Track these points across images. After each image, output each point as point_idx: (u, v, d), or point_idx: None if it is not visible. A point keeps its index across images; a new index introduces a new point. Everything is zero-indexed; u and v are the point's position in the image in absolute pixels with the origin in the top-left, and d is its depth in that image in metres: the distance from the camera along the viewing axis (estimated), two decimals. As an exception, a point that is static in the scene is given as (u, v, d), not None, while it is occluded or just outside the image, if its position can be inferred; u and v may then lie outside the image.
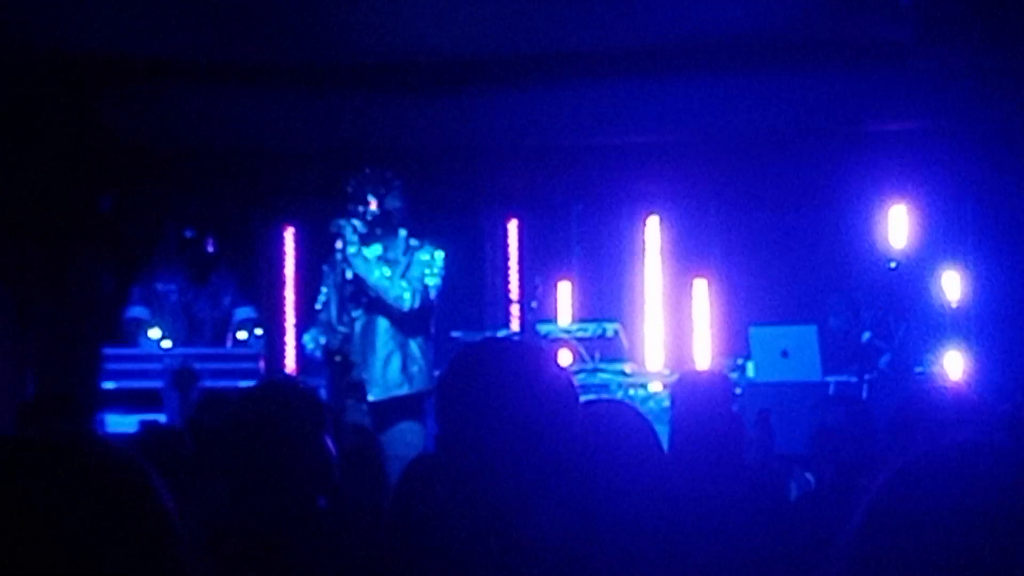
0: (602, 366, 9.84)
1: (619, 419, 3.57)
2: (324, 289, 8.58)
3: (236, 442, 3.82)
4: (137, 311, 9.68)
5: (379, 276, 8.17)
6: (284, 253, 11.95)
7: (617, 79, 10.37)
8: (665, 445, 8.70)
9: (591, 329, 10.13)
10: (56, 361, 10.58)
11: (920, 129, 10.60)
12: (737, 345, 10.44)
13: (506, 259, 12.03)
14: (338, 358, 8.31)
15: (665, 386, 9.59)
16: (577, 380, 9.41)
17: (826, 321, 10.33)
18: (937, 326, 10.24)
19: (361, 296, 8.28)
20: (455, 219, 11.48)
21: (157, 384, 8.88)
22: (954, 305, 10.34)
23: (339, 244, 8.24)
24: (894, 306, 10.37)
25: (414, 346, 8.27)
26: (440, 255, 8.37)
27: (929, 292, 10.54)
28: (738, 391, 8.84)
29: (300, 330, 11.57)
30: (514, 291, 11.92)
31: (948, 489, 1.65)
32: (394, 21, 9.37)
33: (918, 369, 9.81)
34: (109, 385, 9.01)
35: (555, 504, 2.65)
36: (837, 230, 11.24)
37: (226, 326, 9.72)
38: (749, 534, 4.37)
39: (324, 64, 10.16)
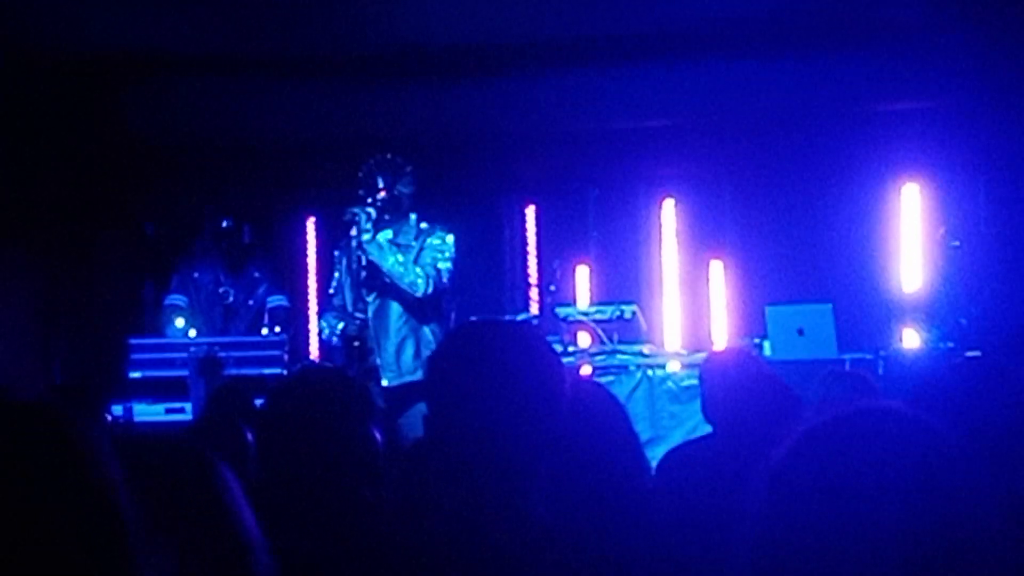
0: (620, 347, 9.90)
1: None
2: (336, 274, 8.67)
3: (269, 433, 3.82)
4: (175, 299, 9.77)
5: (393, 262, 8.23)
6: (306, 243, 12.07)
7: (631, 63, 10.44)
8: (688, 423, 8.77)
9: (609, 311, 10.19)
10: (82, 351, 10.70)
11: (932, 108, 10.65)
12: (753, 324, 10.50)
13: (524, 244, 12.10)
14: (356, 344, 8.38)
15: (684, 366, 9.66)
16: (596, 361, 9.55)
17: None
18: (954, 304, 10.28)
19: (375, 282, 8.36)
20: (473, 206, 11.56)
21: (183, 373, 8.95)
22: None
23: (353, 231, 8.31)
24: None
25: (428, 331, 8.33)
26: (451, 239, 8.43)
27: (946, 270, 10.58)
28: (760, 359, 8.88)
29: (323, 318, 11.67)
30: (533, 275, 11.99)
31: (847, 456, 1.64)
32: (412, 9, 9.45)
33: (946, 345, 9.82)
34: (136, 375, 9.08)
35: (547, 484, 2.65)
36: (851, 209, 11.29)
37: (261, 315, 9.81)
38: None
39: (342, 55, 10.24)
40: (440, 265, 8.31)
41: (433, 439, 2.76)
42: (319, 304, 11.63)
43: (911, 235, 11.23)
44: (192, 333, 9.36)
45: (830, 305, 9.72)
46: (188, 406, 8.74)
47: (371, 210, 8.26)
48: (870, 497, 1.60)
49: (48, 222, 10.62)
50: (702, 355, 9.20)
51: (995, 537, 1.63)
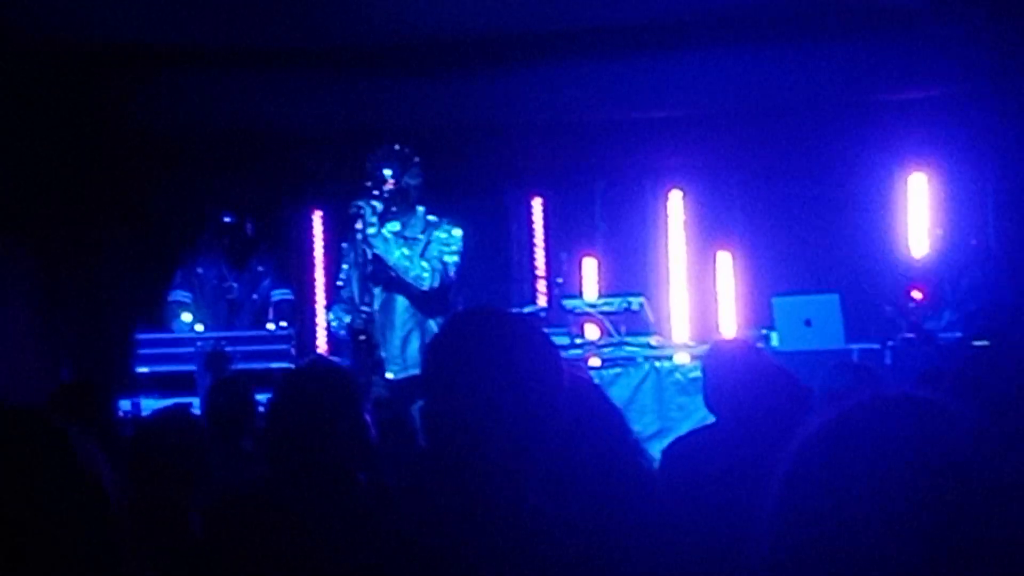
0: (628, 339, 9.90)
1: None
2: (345, 267, 8.65)
3: (277, 420, 3.90)
4: (179, 295, 9.78)
5: (399, 256, 8.22)
6: (313, 237, 12.07)
7: (637, 54, 10.43)
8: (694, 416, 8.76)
9: (617, 303, 10.19)
10: (88, 346, 10.71)
11: (939, 96, 10.64)
12: (761, 315, 10.50)
13: (531, 236, 12.11)
14: (362, 337, 8.38)
15: (692, 358, 9.66)
16: (604, 353, 9.55)
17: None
18: (964, 291, 10.26)
19: (381, 276, 8.35)
20: (480, 198, 11.56)
21: (190, 368, 8.96)
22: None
23: (359, 224, 8.30)
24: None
25: (433, 325, 8.32)
26: (458, 232, 8.42)
27: (953, 258, 10.56)
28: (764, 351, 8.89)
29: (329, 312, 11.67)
30: (540, 267, 12.00)
31: (861, 447, 1.61)
32: (415, 1, 9.45)
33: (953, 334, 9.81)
34: (143, 370, 9.10)
35: (546, 476, 2.63)
36: (858, 198, 11.29)
37: (265, 309, 9.81)
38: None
39: (349, 46, 10.24)
40: (447, 259, 8.30)
41: (429, 429, 2.74)
42: (327, 297, 11.64)
43: (918, 224, 11.21)
44: (199, 328, 9.36)
45: (837, 296, 9.72)
46: (196, 401, 8.74)
47: (377, 203, 8.24)
48: (888, 487, 1.58)
49: (52, 216, 10.63)
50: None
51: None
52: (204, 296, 9.80)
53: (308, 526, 3.57)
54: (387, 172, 8.32)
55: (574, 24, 10.07)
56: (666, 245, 11.87)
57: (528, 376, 2.61)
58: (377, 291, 8.38)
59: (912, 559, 1.56)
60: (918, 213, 11.25)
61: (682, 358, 9.69)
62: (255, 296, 9.86)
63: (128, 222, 11.22)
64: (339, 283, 8.73)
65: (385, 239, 8.23)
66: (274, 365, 8.85)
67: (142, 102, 10.55)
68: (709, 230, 11.75)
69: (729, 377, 5.21)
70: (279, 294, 9.91)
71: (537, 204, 12.13)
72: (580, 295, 11.08)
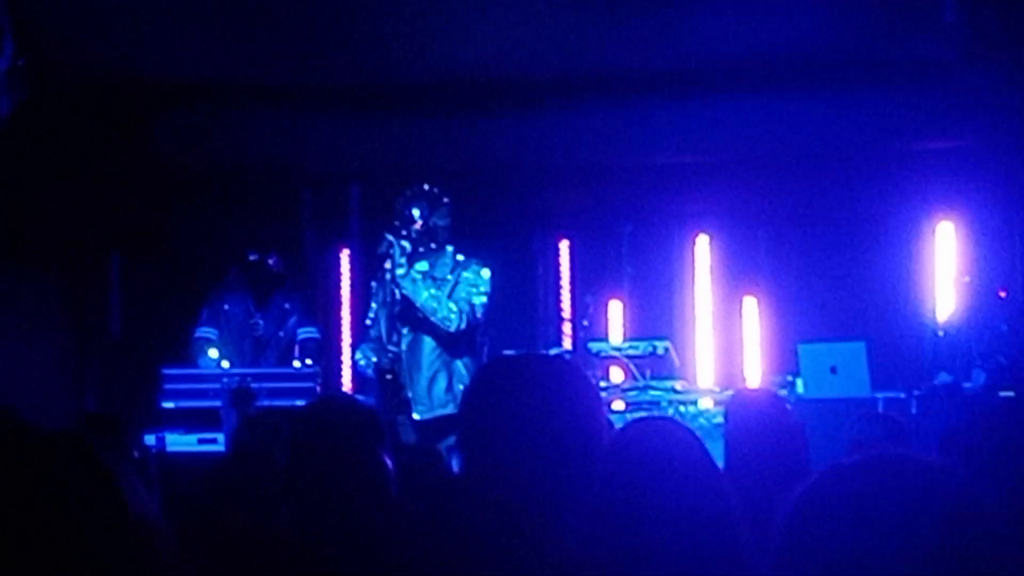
0: (653, 383, 9.89)
1: (668, 436, 3.46)
2: (373, 305, 8.67)
3: (296, 458, 3.89)
4: (205, 331, 9.79)
5: (427, 297, 8.23)
6: (340, 275, 12.09)
7: (666, 100, 10.46)
8: (718, 462, 8.75)
9: (642, 347, 10.18)
10: (114, 380, 10.74)
11: (967, 147, 10.63)
12: (786, 362, 10.48)
13: (558, 279, 12.11)
14: (389, 376, 8.39)
15: (716, 403, 9.65)
16: (628, 397, 9.55)
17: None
18: (992, 343, 10.23)
19: (408, 316, 8.36)
20: (507, 240, 11.57)
21: (216, 403, 8.97)
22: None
23: (387, 264, 8.33)
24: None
25: (460, 365, 8.32)
26: (487, 273, 8.42)
27: (983, 309, 10.52)
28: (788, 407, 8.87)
29: (356, 351, 11.66)
30: (566, 310, 11.99)
31: (862, 501, 1.63)
32: (445, 42, 9.49)
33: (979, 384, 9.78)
34: (169, 405, 9.11)
35: (582, 520, 2.62)
36: (885, 247, 11.28)
37: (291, 347, 9.82)
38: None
39: (379, 86, 10.28)
40: (475, 300, 8.31)
41: (467, 473, 2.72)
42: (353, 336, 11.66)
43: (946, 274, 11.19)
44: (225, 364, 9.38)
45: (863, 343, 9.70)
46: (220, 436, 8.76)
47: (405, 243, 8.26)
48: (885, 543, 1.59)
49: (81, 250, 10.67)
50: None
51: None
52: (230, 333, 9.81)
53: (322, 569, 3.55)
54: (416, 212, 8.34)
55: (604, 68, 10.11)
56: (692, 290, 11.87)
57: (567, 421, 2.60)
58: (404, 331, 8.40)
59: None
60: (945, 263, 11.23)
61: (706, 403, 9.68)
62: (281, 334, 9.87)
63: (156, 257, 11.26)
64: (367, 322, 8.75)
65: (413, 280, 8.24)
66: (299, 402, 8.85)
67: (171, 138, 10.60)
68: (735, 275, 11.74)
69: (746, 425, 5.21)
70: (305, 332, 9.92)
71: (564, 247, 12.14)
72: (606, 338, 11.09)
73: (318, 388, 9.18)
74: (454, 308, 8.22)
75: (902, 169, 10.92)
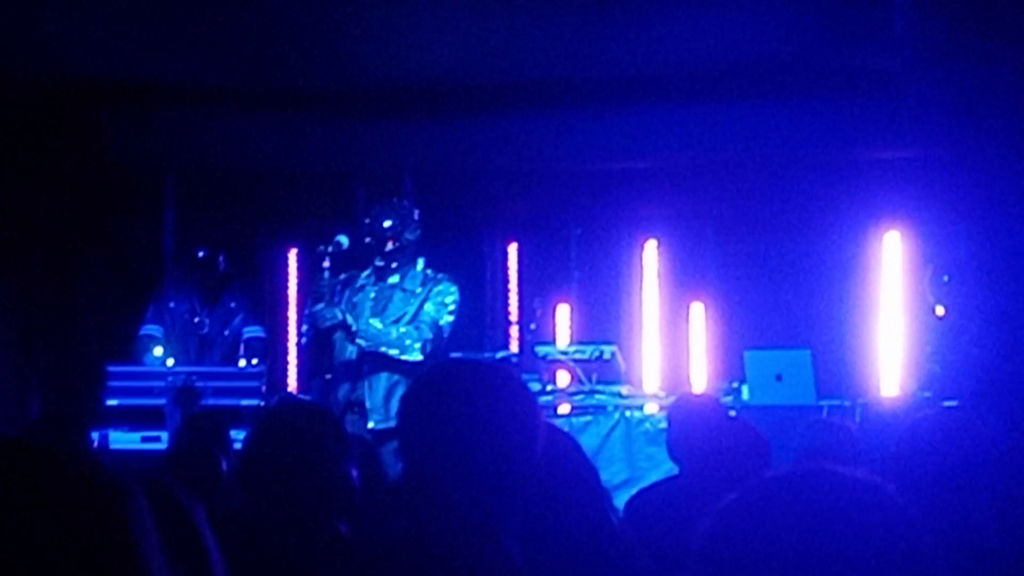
0: (599, 388, 9.90)
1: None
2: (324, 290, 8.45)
3: (258, 464, 3.84)
4: (150, 329, 9.74)
5: (377, 331, 8.13)
6: (288, 274, 12.05)
7: (616, 105, 10.48)
8: (655, 468, 8.77)
9: (589, 351, 10.19)
10: (60, 378, 10.66)
11: (914, 157, 10.70)
12: (732, 368, 10.51)
13: (506, 282, 12.11)
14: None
15: (661, 408, 9.66)
16: (574, 401, 9.55)
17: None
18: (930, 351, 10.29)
19: (370, 356, 8.21)
20: (455, 242, 11.53)
21: (160, 402, 8.93)
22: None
23: (326, 262, 8.16)
24: None
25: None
26: (455, 290, 8.34)
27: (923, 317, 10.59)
28: (732, 414, 8.91)
29: (302, 350, 11.61)
30: (513, 313, 11.99)
31: (784, 516, 1.61)
32: (396, 47, 9.47)
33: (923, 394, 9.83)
34: (113, 402, 9.05)
35: (523, 525, 2.63)
36: (832, 255, 11.34)
37: (236, 346, 9.78)
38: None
39: (327, 88, 10.26)
40: (442, 320, 8.23)
41: (407, 478, 2.72)
42: (299, 335, 11.63)
43: (891, 283, 11.26)
44: (170, 362, 9.34)
45: (809, 351, 9.75)
46: (164, 435, 8.71)
47: (379, 259, 8.15)
48: (805, 559, 1.57)
49: (28, 248, 10.60)
50: (680, 398, 9.24)
51: None
52: (175, 331, 9.77)
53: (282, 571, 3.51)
54: (387, 224, 8.24)
55: (554, 74, 10.12)
56: (640, 295, 11.88)
57: (505, 425, 2.61)
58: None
59: None
60: (892, 272, 11.29)
61: (652, 408, 9.69)
62: (227, 332, 9.84)
63: (104, 255, 11.19)
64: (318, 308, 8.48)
65: (362, 310, 8.14)
66: (244, 402, 8.83)
67: (120, 137, 10.55)
68: (683, 281, 11.76)
69: (693, 429, 5.24)
70: (251, 331, 9.88)
71: (512, 250, 12.13)
72: (553, 342, 11.09)
73: (263, 387, 9.14)
74: (416, 336, 8.12)
75: (850, 178, 10.98)
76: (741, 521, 1.64)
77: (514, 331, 11.86)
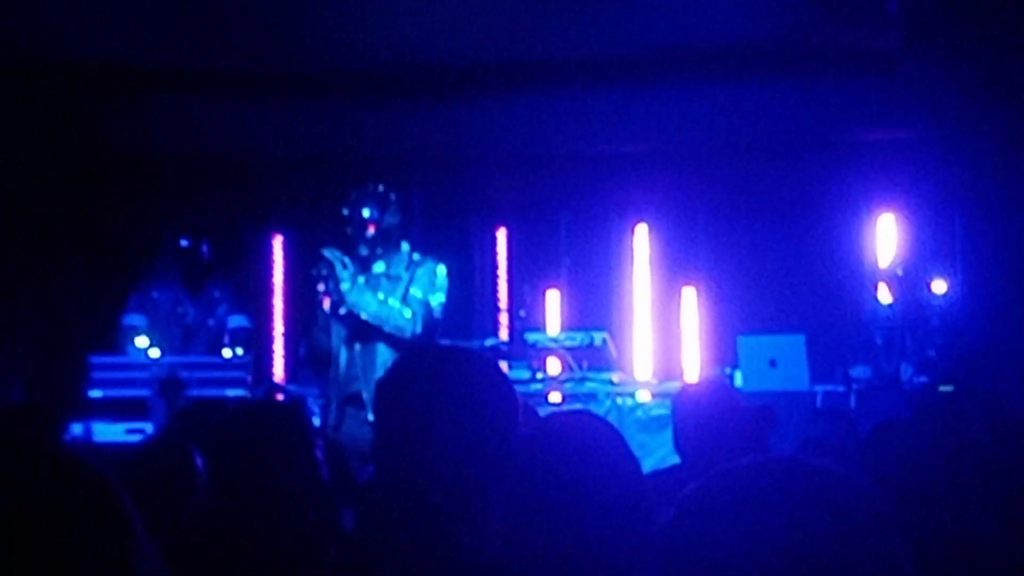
0: (590, 375, 9.82)
1: (586, 430, 3.44)
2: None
3: (222, 459, 3.80)
4: (133, 318, 9.63)
5: (377, 305, 8.03)
6: (273, 262, 11.94)
7: (606, 88, 10.38)
8: (648, 456, 8.69)
9: (579, 338, 10.10)
10: (42, 368, 10.56)
11: (908, 139, 10.61)
12: (725, 354, 10.43)
13: (495, 267, 12.02)
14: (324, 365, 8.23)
15: (654, 395, 9.58)
16: (565, 389, 9.45)
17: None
18: (923, 337, 10.23)
19: (359, 332, 8.12)
20: (444, 227, 11.46)
21: (144, 393, 8.83)
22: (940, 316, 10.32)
23: (321, 286, 8.04)
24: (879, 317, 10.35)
25: None
26: (443, 270, 8.20)
27: (916, 302, 10.52)
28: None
29: (288, 339, 11.54)
30: (503, 299, 11.91)
31: (747, 505, 1.59)
32: (383, 29, 9.38)
33: (918, 379, 9.76)
34: (96, 393, 8.95)
35: (493, 518, 2.59)
36: (825, 239, 11.26)
37: (221, 336, 9.67)
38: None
39: (312, 72, 10.17)
40: (432, 300, 8.13)
41: (380, 467, 2.70)
42: (285, 324, 11.54)
43: (886, 266, 11.16)
44: (154, 353, 9.22)
45: (803, 336, 9.66)
46: (149, 426, 8.61)
47: (346, 259, 8.07)
48: (767, 548, 1.55)
49: (8, 235, 10.48)
50: (672, 384, 9.16)
51: None
52: (158, 321, 9.65)
53: (253, 564, 3.48)
54: (366, 213, 8.12)
55: (544, 56, 10.02)
56: (631, 280, 11.80)
57: (479, 414, 2.58)
58: (357, 347, 8.18)
59: None
60: (885, 255, 11.20)
61: (644, 395, 9.62)
62: (211, 322, 9.72)
63: (86, 243, 11.08)
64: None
65: (360, 290, 8.04)
66: (229, 392, 8.73)
67: (102, 123, 10.45)
68: (675, 266, 11.68)
69: (696, 420, 5.14)
70: (235, 321, 9.77)
71: (501, 235, 12.04)
72: (543, 329, 10.99)
73: (249, 378, 9.04)
74: (407, 313, 8.03)
75: (843, 160, 10.90)
76: (698, 511, 1.62)
77: (503, 318, 11.78)
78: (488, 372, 2.69)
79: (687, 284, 11.59)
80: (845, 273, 11.18)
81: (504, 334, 11.40)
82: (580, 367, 9.87)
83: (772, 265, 11.34)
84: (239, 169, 11.13)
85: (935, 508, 3.84)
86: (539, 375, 9.78)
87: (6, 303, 10.72)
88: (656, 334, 11.63)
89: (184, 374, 8.80)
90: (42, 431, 6.39)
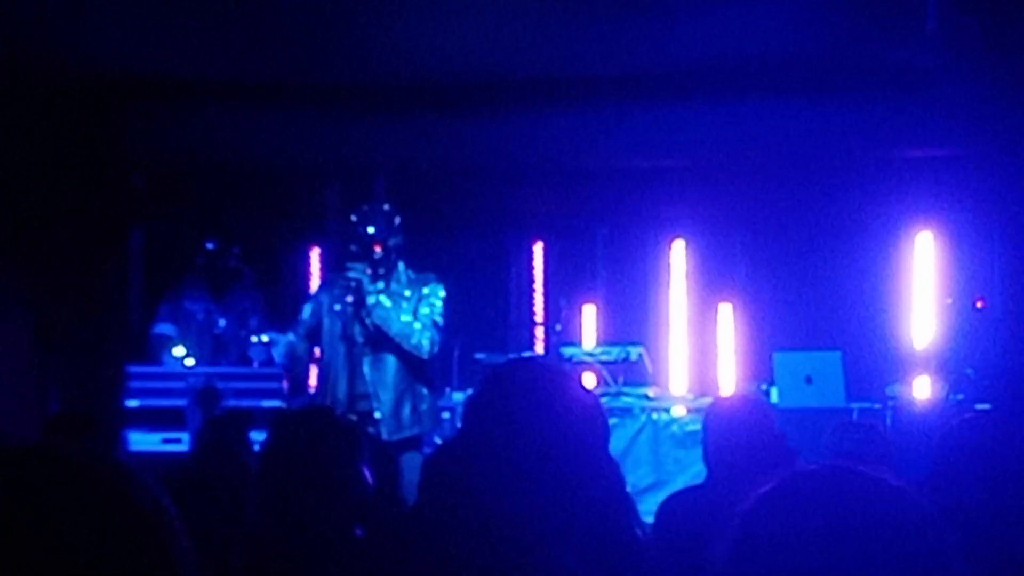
0: (625, 389, 9.81)
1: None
2: (310, 306, 8.50)
3: (273, 469, 3.79)
4: (164, 328, 9.65)
5: (402, 323, 8.11)
6: (309, 273, 11.96)
7: (645, 103, 10.37)
8: (683, 471, 8.67)
9: (615, 352, 10.10)
10: (79, 378, 10.60)
11: (947, 156, 10.56)
12: (761, 370, 10.40)
13: (531, 281, 12.02)
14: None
15: (689, 410, 9.56)
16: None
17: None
18: (961, 355, 10.17)
19: (381, 344, 8.17)
20: (480, 241, 11.48)
21: (180, 403, 8.85)
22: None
23: (349, 298, 8.11)
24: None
25: (423, 388, 8.25)
26: (441, 290, 8.31)
27: (955, 320, 10.47)
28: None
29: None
30: (539, 313, 11.91)
31: (809, 515, 1.64)
32: (420, 42, 9.38)
33: (956, 397, 9.71)
34: (132, 403, 8.99)
35: (580, 532, 2.56)
36: (863, 256, 11.21)
37: (252, 346, 9.69)
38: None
39: (350, 84, 10.18)
40: (437, 318, 8.20)
41: (464, 477, 2.64)
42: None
43: (924, 284, 11.11)
44: (190, 363, 9.25)
45: (839, 353, 9.62)
46: (185, 436, 8.64)
47: (368, 271, 8.13)
48: (827, 557, 1.61)
49: (45, 245, 10.53)
50: (708, 400, 9.12)
51: None
52: (189, 330, 9.68)
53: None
54: (371, 230, 8.20)
55: (582, 70, 10.01)
56: (667, 295, 11.77)
57: (567, 428, 2.54)
58: (367, 359, 8.23)
59: None
60: (924, 273, 11.15)
61: (679, 411, 9.59)
62: (243, 332, 9.75)
63: (124, 254, 11.12)
64: (304, 317, 8.54)
65: (386, 307, 8.11)
66: (265, 403, 8.74)
67: (139, 135, 10.48)
68: (711, 281, 11.65)
69: (726, 434, 5.12)
70: (266, 334, 9.81)
71: (538, 249, 12.04)
72: (578, 343, 10.99)
73: (285, 388, 9.05)
74: (427, 334, 8.09)
75: (882, 177, 10.85)
76: (774, 513, 1.67)
77: (539, 332, 11.77)
78: (574, 385, 2.66)
79: (724, 300, 11.56)
80: (882, 290, 11.14)
81: (540, 348, 11.39)
82: (616, 382, 9.86)
83: (809, 282, 11.29)
84: (277, 181, 11.15)
85: (990, 525, 3.83)
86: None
87: (44, 313, 10.77)
88: (692, 349, 11.60)
89: (220, 384, 8.83)
90: (96, 442, 6.43)
